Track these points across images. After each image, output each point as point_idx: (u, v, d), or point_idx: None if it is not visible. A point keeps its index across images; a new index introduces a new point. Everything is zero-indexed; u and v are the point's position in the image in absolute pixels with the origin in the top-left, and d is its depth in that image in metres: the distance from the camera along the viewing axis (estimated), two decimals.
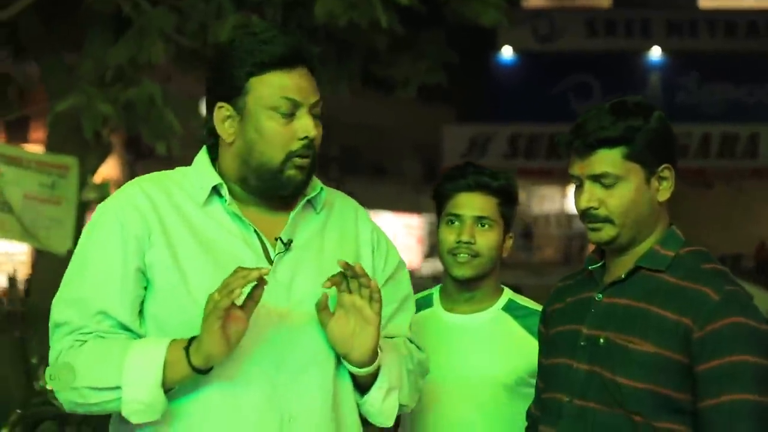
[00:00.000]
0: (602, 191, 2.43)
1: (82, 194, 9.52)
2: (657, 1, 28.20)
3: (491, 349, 3.07)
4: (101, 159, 9.58)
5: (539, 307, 3.02)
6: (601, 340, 2.42)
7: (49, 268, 9.29)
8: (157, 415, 2.25)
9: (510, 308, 3.14)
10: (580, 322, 2.49)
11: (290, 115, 2.37)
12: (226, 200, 2.40)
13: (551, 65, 27.69)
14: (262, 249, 2.40)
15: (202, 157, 2.48)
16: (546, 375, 2.61)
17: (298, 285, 2.39)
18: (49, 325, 2.38)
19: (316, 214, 2.50)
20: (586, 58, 27.50)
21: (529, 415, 2.77)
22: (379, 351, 2.38)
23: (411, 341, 2.58)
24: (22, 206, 8.80)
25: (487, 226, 3.06)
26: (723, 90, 27.31)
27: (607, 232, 2.44)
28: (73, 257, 2.41)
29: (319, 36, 9.54)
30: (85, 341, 2.31)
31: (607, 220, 2.43)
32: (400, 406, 2.47)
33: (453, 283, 3.13)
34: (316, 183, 2.50)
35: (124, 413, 2.25)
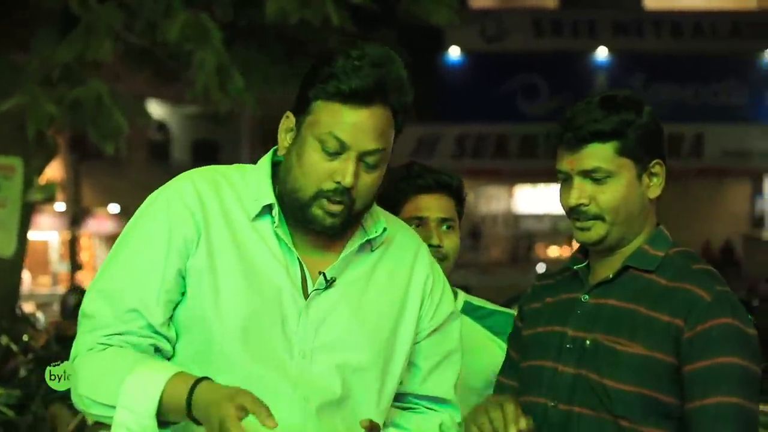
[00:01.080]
0: (593, 187, 2.35)
1: (27, 195, 9.40)
2: (603, 2, 28.43)
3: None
4: (47, 160, 9.47)
5: (496, 307, 2.96)
6: (588, 342, 2.34)
7: None
8: None
9: (468, 310, 3.03)
10: (564, 324, 2.40)
11: (335, 154, 2.17)
12: (274, 221, 2.24)
13: (499, 65, 27.81)
14: (302, 280, 2.25)
15: (266, 164, 2.31)
16: (525, 378, 2.49)
17: (328, 327, 2.23)
18: (79, 312, 2.24)
19: (370, 252, 2.33)
20: (533, 58, 27.67)
21: (500, 385, 2.60)
22: None
23: (452, 406, 2.43)
24: None
25: (451, 227, 2.95)
26: (668, 90, 27.58)
27: (596, 231, 2.36)
28: (114, 247, 2.27)
29: (270, 35, 9.51)
30: (108, 346, 2.17)
31: (598, 217, 2.35)
32: None
33: None
34: (380, 223, 2.32)
35: None
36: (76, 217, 21.40)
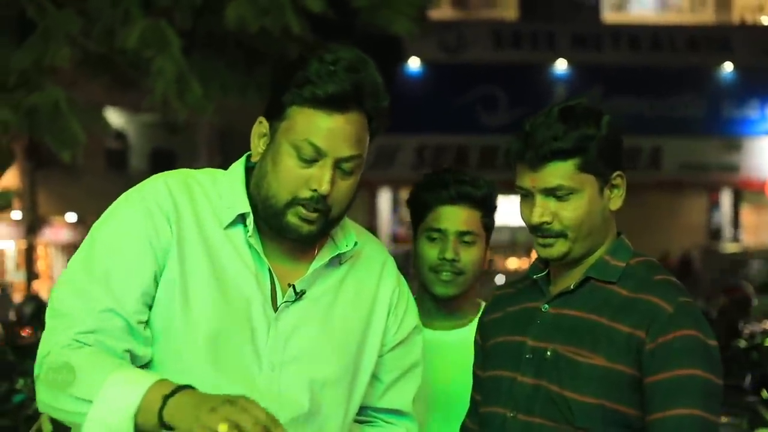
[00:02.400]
0: (555, 204, 2.31)
1: None
2: (562, 15, 28.60)
3: (468, 363, 2.83)
4: (3, 168, 9.36)
5: None
6: (548, 353, 2.32)
7: None
8: None
9: None
10: (524, 333, 2.38)
11: (311, 161, 2.13)
12: (248, 230, 2.20)
13: (458, 76, 27.88)
14: (272, 292, 2.21)
15: (238, 169, 2.26)
16: (486, 388, 2.48)
17: (297, 339, 2.20)
18: (47, 311, 2.14)
19: (339, 265, 2.30)
20: (492, 69, 27.76)
21: (465, 429, 2.62)
22: None
23: (410, 419, 2.42)
24: None
25: (470, 241, 2.90)
26: (627, 103, 27.76)
27: (558, 248, 2.33)
28: (84, 245, 2.18)
29: (229, 43, 9.47)
30: (85, 345, 2.08)
31: (561, 234, 2.32)
32: None
33: (431, 300, 2.96)
34: (350, 236, 2.29)
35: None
36: (32, 226, 21.21)
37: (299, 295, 2.21)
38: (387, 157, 26.49)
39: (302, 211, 2.14)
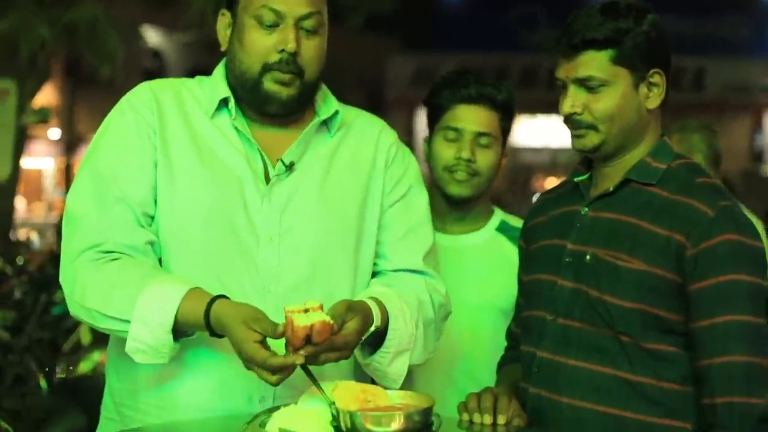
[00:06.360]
0: (587, 96, 2.28)
1: (21, 119, 9.32)
2: None
3: (487, 272, 2.90)
4: (40, 83, 9.37)
5: None
6: (588, 257, 2.29)
7: None
8: (162, 358, 2.16)
9: (504, 229, 2.96)
10: (565, 237, 2.36)
11: (273, 26, 2.27)
12: (232, 114, 2.32)
13: None
14: (264, 170, 2.31)
15: (220, 68, 2.39)
16: (527, 292, 2.48)
17: (292, 210, 2.30)
18: (63, 220, 2.29)
19: (329, 136, 2.40)
20: None
21: (510, 334, 2.65)
22: (381, 311, 2.23)
23: (429, 275, 2.44)
24: None
25: (487, 142, 2.87)
26: (669, 23, 27.14)
27: (590, 140, 2.31)
28: (87, 154, 2.33)
29: None
30: (109, 254, 2.21)
31: (591, 126, 2.29)
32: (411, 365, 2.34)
33: (445, 202, 2.93)
34: (331, 104, 2.41)
35: (127, 350, 2.15)
36: (70, 145, 21.31)
37: (289, 168, 2.30)
38: (426, 77, 26.26)
39: (277, 75, 2.26)
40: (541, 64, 21.46)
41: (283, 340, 2.01)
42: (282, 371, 2.01)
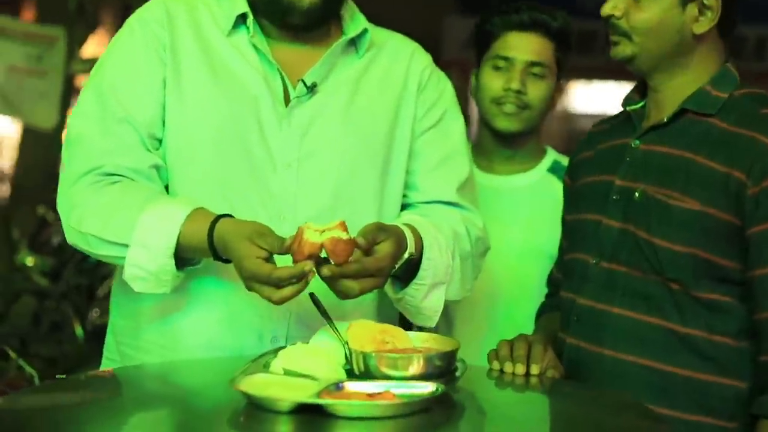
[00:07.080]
0: (630, 1, 2.08)
1: (69, 67, 9.25)
2: None
3: (537, 215, 2.68)
4: (88, 31, 9.32)
5: None
6: (637, 194, 2.08)
7: (35, 146, 9.09)
8: (164, 287, 1.99)
9: (556, 170, 2.73)
10: (613, 173, 2.15)
11: None
12: (250, 32, 2.14)
13: None
14: (284, 91, 2.12)
15: None
16: (570, 232, 2.28)
17: (313, 135, 2.11)
18: (65, 140, 2.13)
19: (357, 57, 2.20)
20: None
21: (551, 279, 2.45)
22: (416, 237, 2.03)
23: (465, 208, 2.24)
24: (5, 79, 8.53)
25: (540, 73, 2.65)
26: None
27: (622, 48, 2.11)
28: (93, 73, 2.17)
29: None
30: (109, 176, 2.05)
31: (625, 34, 2.10)
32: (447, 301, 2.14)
33: (492, 138, 2.72)
34: (359, 22, 2.21)
35: (125, 277, 1.99)
36: None
37: (311, 89, 2.12)
38: None
39: None
40: (598, 29, 21.05)
41: None
42: (288, 288, 1.81)
